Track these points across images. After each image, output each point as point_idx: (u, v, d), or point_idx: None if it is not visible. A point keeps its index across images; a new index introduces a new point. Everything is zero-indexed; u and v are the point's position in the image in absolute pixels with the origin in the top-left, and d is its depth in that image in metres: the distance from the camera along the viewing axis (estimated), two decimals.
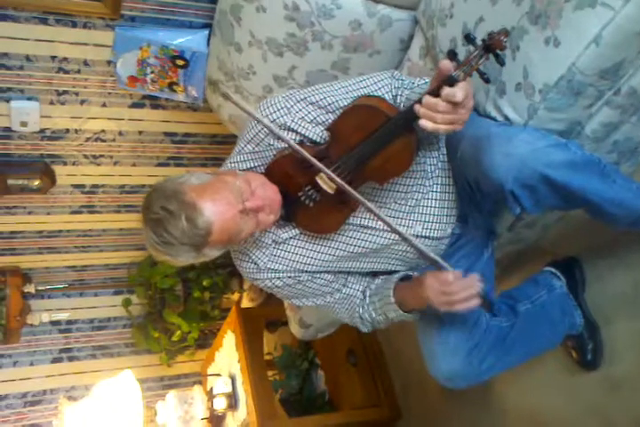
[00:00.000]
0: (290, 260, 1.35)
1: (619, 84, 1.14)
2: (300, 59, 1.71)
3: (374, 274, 1.48)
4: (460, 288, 1.17)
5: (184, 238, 1.11)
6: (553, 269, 1.63)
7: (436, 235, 1.39)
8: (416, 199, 1.35)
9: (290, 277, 1.37)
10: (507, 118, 1.27)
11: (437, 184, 1.37)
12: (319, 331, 2.15)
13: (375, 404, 2.58)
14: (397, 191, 1.33)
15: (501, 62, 1.08)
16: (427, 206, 1.37)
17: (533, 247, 1.69)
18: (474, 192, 1.34)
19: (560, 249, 1.70)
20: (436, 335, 1.39)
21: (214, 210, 1.12)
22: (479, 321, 1.39)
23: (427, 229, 1.38)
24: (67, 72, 2.08)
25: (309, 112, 1.25)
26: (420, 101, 1.07)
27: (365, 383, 2.61)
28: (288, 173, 1.25)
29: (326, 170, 1.16)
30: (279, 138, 1.21)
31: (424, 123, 1.06)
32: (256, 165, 1.30)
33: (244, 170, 1.30)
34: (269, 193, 1.22)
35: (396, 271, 1.44)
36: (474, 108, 1.34)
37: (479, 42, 1.07)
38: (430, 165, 1.35)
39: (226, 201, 1.14)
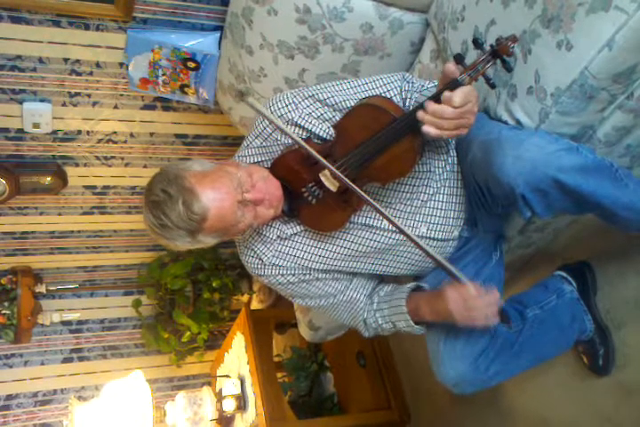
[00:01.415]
0: (294, 256, 1.35)
1: (632, 87, 1.13)
2: (311, 61, 1.71)
3: (380, 279, 1.47)
4: (483, 304, 1.20)
5: (180, 222, 1.13)
6: (563, 274, 1.61)
7: (440, 236, 1.39)
8: (422, 200, 1.35)
9: (293, 274, 1.37)
10: (518, 122, 1.26)
11: (445, 186, 1.37)
12: (329, 333, 2.15)
13: (384, 406, 2.57)
14: (402, 192, 1.33)
15: (508, 68, 1.08)
16: (432, 208, 1.37)
17: (544, 251, 1.68)
18: (484, 196, 1.33)
19: (571, 253, 1.69)
20: (443, 341, 1.38)
21: (211, 197, 1.14)
22: (487, 327, 1.38)
23: (431, 230, 1.38)
24: (79, 74, 2.10)
25: (316, 109, 1.26)
26: (422, 107, 1.07)
27: (375, 386, 2.61)
28: (293, 169, 1.26)
29: (330, 166, 1.16)
30: (286, 134, 1.22)
31: (427, 129, 1.07)
32: (263, 159, 1.31)
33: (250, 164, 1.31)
34: (270, 188, 1.23)
35: (401, 276, 1.44)
36: (485, 112, 1.35)
37: (487, 47, 1.07)
38: (438, 167, 1.35)
39: (225, 190, 1.15)
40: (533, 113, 1.21)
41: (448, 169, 1.35)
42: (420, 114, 1.07)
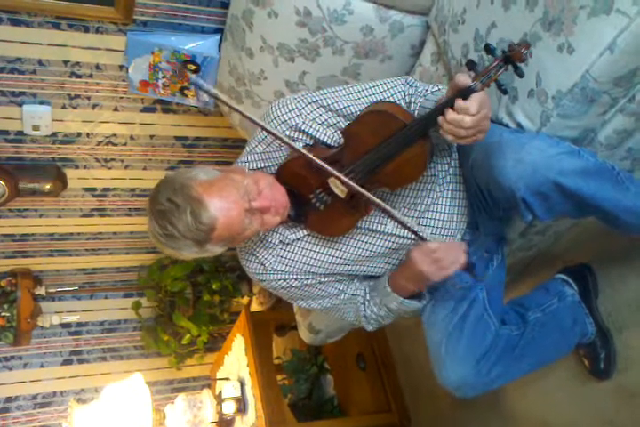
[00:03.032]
0: (296, 261, 1.35)
1: (633, 91, 1.13)
2: (312, 64, 1.71)
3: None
4: (445, 251, 1.20)
5: (187, 233, 1.12)
6: (564, 277, 1.61)
7: (444, 240, 1.38)
8: (426, 204, 1.35)
9: (295, 278, 1.37)
10: (519, 125, 1.26)
11: (448, 190, 1.36)
12: (329, 336, 2.15)
13: (384, 409, 2.57)
14: (407, 196, 1.33)
15: (520, 74, 1.08)
16: (436, 212, 1.36)
17: (545, 254, 1.68)
18: (485, 199, 1.33)
19: (572, 256, 1.69)
20: (444, 344, 1.38)
21: (219, 206, 1.12)
22: (488, 330, 1.38)
23: (435, 234, 1.37)
24: (79, 76, 2.10)
25: (320, 114, 1.25)
26: (442, 112, 1.07)
27: (375, 388, 2.61)
28: (300, 175, 1.25)
29: (336, 173, 1.16)
30: (291, 147, 1.20)
31: (447, 137, 1.08)
32: (266, 165, 1.31)
33: (253, 170, 1.30)
34: (277, 195, 1.22)
35: None
36: None
37: (499, 53, 1.07)
38: (441, 171, 1.35)
39: (232, 198, 1.14)
40: (534, 116, 1.21)
41: (451, 173, 1.35)
42: (441, 120, 1.07)
